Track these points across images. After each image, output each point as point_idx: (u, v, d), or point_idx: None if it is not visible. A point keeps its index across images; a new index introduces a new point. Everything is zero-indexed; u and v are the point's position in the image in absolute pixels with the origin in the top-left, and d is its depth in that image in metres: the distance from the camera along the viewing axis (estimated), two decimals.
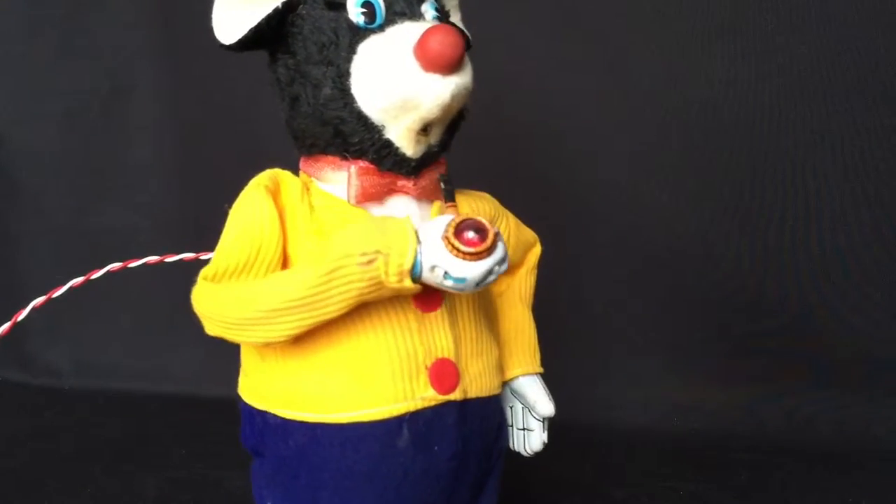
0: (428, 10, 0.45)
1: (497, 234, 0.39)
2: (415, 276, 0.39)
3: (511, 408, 0.53)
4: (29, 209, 1.16)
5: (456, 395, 0.44)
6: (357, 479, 0.43)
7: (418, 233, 0.40)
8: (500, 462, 0.51)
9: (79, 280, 0.60)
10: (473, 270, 0.39)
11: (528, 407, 0.52)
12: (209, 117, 1.08)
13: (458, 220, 0.39)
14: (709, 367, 0.93)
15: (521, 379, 0.51)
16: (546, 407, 0.51)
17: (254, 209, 0.43)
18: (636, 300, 0.96)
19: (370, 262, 0.39)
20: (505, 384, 0.52)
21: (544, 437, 0.52)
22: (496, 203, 0.53)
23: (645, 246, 0.95)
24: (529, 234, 0.55)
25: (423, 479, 0.44)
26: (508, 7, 0.96)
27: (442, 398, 0.44)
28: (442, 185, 0.46)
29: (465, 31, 0.54)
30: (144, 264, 0.59)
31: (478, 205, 0.50)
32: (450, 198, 0.45)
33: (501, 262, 0.40)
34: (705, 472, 0.75)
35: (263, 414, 0.45)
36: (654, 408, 0.92)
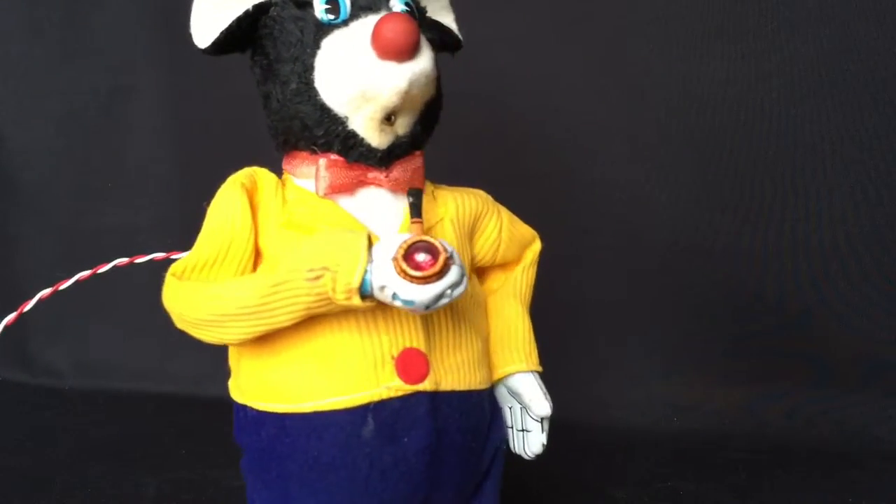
0: (396, 4, 0.45)
1: (450, 258, 0.38)
2: (364, 293, 0.39)
3: (510, 409, 0.51)
4: (29, 209, 1.16)
5: (426, 386, 0.43)
6: (322, 470, 0.43)
7: (372, 250, 0.39)
8: (498, 464, 0.50)
9: (85, 273, 0.60)
10: (422, 294, 0.38)
11: (524, 406, 0.50)
12: (209, 117, 1.08)
13: (410, 242, 0.38)
14: (709, 367, 0.93)
15: (515, 377, 0.50)
16: (541, 406, 0.49)
17: (227, 205, 0.45)
18: (636, 300, 0.96)
19: (317, 277, 0.39)
20: (500, 383, 0.51)
21: (543, 438, 0.50)
22: (488, 198, 0.52)
23: (644, 246, 0.95)
24: (526, 231, 0.54)
25: (393, 472, 0.43)
26: (508, 7, 0.96)
27: (410, 388, 0.43)
28: (409, 199, 0.45)
29: (457, 32, 0.54)
30: (151, 260, 0.60)
31: (465, 200, 0.50)
32: (416, 213, 0.44)
33: (456, 285, 0.39)
34: (705, 472, 0.75)
35: (244, 408, 0.46)
36: (654, 408, 0.92)
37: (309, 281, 0.39)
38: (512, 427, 0.51)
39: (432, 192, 0.49)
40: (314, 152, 0.45)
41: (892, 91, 0.87)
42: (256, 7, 0.45)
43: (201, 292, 0.43)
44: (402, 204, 0.46)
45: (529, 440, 0.50)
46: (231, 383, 0.49)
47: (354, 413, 0.42)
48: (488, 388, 0.49)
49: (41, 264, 1.16)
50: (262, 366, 0.45)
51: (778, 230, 0.91)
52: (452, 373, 0.45)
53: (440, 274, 0.38)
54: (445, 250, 0.38)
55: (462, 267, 0.40)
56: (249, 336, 0.42)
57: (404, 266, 0.38)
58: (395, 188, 0.46)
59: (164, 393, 1.07)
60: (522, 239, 0.54)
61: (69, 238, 1.15)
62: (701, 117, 0.92)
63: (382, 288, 0.38)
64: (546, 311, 1.05)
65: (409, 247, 0.38)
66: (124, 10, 1.09)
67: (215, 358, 1.23)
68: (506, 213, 0.53)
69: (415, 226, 0.43)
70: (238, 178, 0.46)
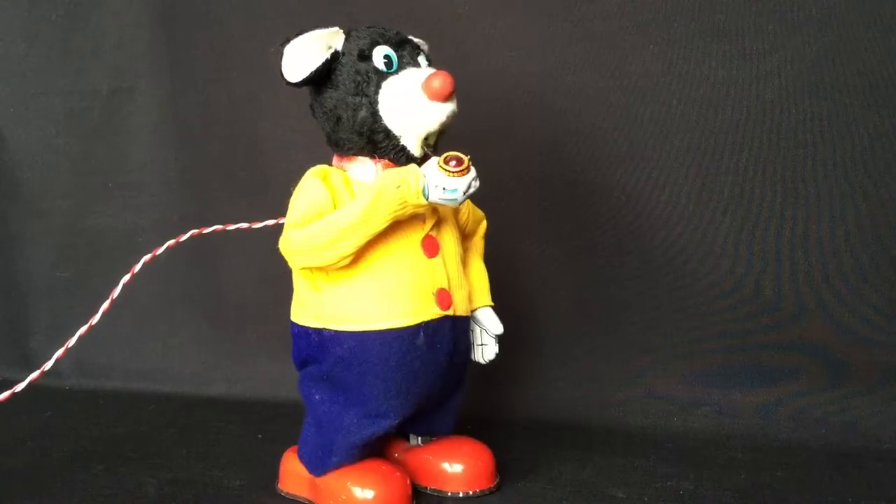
0: (423, 61, 0.67)
1: (470, 159, 0.60)
2: (425, 195, 0.60)
3: (472, 331, 0.72)
4: (29, 209, 1.16)
5: (451, 312, 0.66)
6: (391, 368, 0.63)
7: (423, 168, 0.60)
8: (468, 363, 0.72)
9: (147, 257, 0.73)
10: (462, 182, 0.60)
11: (484, 329, 0.72)
12: (209, 118, 1.09)
13: (443, 155, 0.60)
14: (709, 367, 0.93)
15: (481, 309, 0.73)
16: (497, 327, 0.72)
17: (315, 187, 0.63)
18: (636, 300, 0.96)
19: (398, 187, 0.60)
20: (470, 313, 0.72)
21: (496, 349, 0.72)
22: None
23: (644, 246, 0.95)
24: (479, 213, 0.76)
25: (431, 368, 0.65)
26: (507, 8, 0.96)
27: (443, 313, 0.65)
28: (428, 149, 0.67)
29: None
30: (214, 231, 0.75)
31: None
32: (436, 153, 0.64)
33: (475, 178, 0.60)
34: (705, 472, 0.75)
35: (320, 331, 0.65)
36: (654, 408, 0.92)
37: (393, 190, 0.60)
38: (472, 343, 0.72)
39: None
40: (373, 157, 0.66)
41: (893, 91, 0.87)
42: (332, 54, 0.64)
43: (320, 224, 0.61)
44: None
45: (485, 351, 0.72)
46: (301, 314, 0.67)
47: (413, 329, 0.63)
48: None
49: (41, 264, 1.16)
50: (341, 298, 0.63)
51: (778, 230, 0.91)
52: (461, 304, 0.68)
53: (468, 169, 0.60)
54: (467, 155, 0.60)
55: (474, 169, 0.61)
56: (359, 246, 0.61)
57: (446, 167, 0.59)
58: None
59: (164, 393, 1.07)
60: (478, 217, 0.75)
61: (69, 238, 1.15)
62: (701, 117, 0.92)
63: (436, 186, 0.59)
64: (546, 311, 1.06)
65: (445, 157, 0.60)
66: (124, 11, 1.09)
67: (215, 358, 1.24)
68: (468, 202, 0.73)
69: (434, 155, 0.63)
70: (315, 173, 0.65)
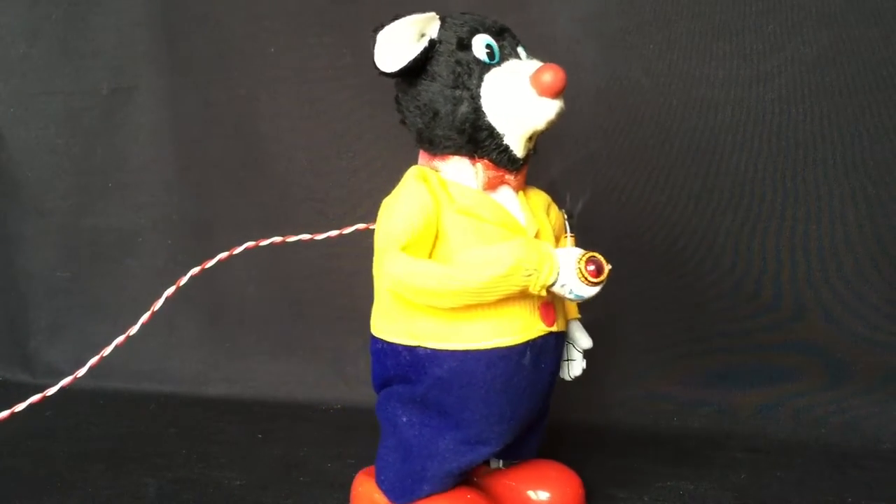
0: (522, 52, 0.61)
1: (610, 270, 0.57)
2: (549, 286, 0.56)
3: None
4: (29, 209, 1.16)
5: (555, 328, 0.60)
6: (496, 389, 0.58)
7: (558, 259, 0.56)
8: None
9: (195, 270, 0.71)
10: (590, 292, 0.56)
11: (571, 342, 0.68)
12: (209, 117, 1.09)
13: (587, 256, 0.56)
14: (709, 366, 0.93)
15: (569, 322, 0.67)
16: (587, 341, 0.68)
17: (421, 193, 0.57)
18: (636, 300, 0.96)
19: (529, 276, 0.55)
20: None
21: (583, 364, 0.68)
22: (548, 196, 0.67)
23: (644, 246, 0.95)
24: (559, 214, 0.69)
25: (536, 389, 0.60)
26: (506, 8, 0.96)
27: (547, 330, 0.60)
28: (565, 219, 0.63)
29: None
30: (338, 233, 0.72)
31: (539, 197, 0.65)
32: (572, 230, 0.61)
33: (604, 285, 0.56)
34: (705, 472, 0.75)
35: (413, 349, 0.58)
36: (654, 408, 0.92)
37: (523, 277, 0.55)
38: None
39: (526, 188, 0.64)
40: (472, 157, 0.59)
41: (892, 91, 0.87)
42: (430, 42, 0.58)
43: (432, 270, 0.56)
44: (515, 198, 0.61)
45: (572, 367, 0.68)
46: (391, 330, 0.60)
47: (520, 347, 0.58)
48: None
49: (41, 264, 1.16)
50: (442, 316, 0.57)
51: (778, 230, 0.91)
52: (560, 319, 0.62)
53: (603, 281, 0.56)
54: (608, 263, 0.57)
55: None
56: (457, 306, 0.56)
57: (585, 273, 0.56)
58: (517, 188, 0.62)
59: (164, 393, 1.07)
60: (560, 219, 0.68)
61: (69, 238, 1.15)
62: (701, 117, 0.92)
63: (563, 286, 0.56)
64: None
65: (587, 260, 0.56)
66: (124, 10, 1.09)
67: (215, 358, 1.24)
68: (555, 208, 0.68)
69: (572, 239, 0.61)
70: (416, 176, 0.59)
